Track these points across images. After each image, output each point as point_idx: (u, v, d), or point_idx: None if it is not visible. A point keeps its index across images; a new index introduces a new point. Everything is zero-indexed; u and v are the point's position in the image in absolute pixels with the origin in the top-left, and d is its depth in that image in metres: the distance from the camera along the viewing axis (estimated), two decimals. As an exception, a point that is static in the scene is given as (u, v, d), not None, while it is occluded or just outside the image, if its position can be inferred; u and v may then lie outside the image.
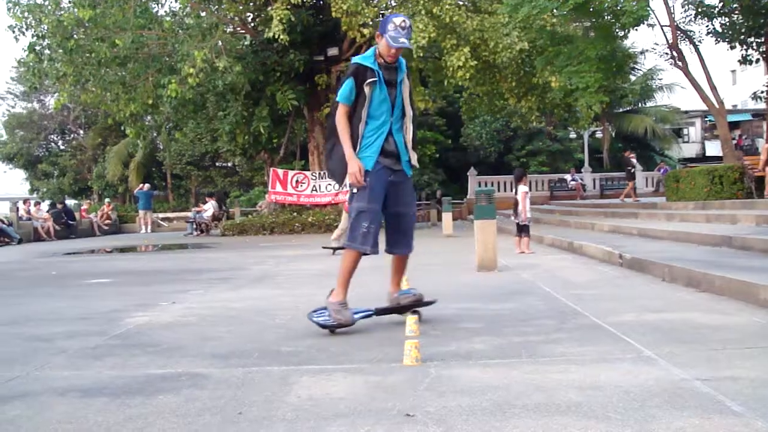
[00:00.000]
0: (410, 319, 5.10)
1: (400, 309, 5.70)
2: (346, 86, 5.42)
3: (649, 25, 19.02)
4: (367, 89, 5.33)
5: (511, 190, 12.31)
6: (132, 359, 4.61)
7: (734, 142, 30.63)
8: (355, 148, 5.35)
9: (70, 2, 20.55)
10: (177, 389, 3.79)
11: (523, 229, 12.15)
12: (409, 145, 5.58)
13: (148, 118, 26.54)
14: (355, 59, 5.55)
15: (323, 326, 5.24)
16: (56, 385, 3.99)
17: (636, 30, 19.13)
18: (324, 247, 13.85)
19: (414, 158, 5.64)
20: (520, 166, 36.15)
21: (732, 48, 22.11)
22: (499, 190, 32.31)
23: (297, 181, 25.78)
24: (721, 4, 20.69)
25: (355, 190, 5.40)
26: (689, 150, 49.77)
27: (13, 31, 20.15)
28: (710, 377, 3.59)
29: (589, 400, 3.30)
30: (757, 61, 23.12)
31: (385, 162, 5.42)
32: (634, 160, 28.84)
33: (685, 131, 51.84)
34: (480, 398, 3.38)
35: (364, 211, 5.39)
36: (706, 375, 3.64)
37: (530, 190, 11.92)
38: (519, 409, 3.20)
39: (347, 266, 5.53)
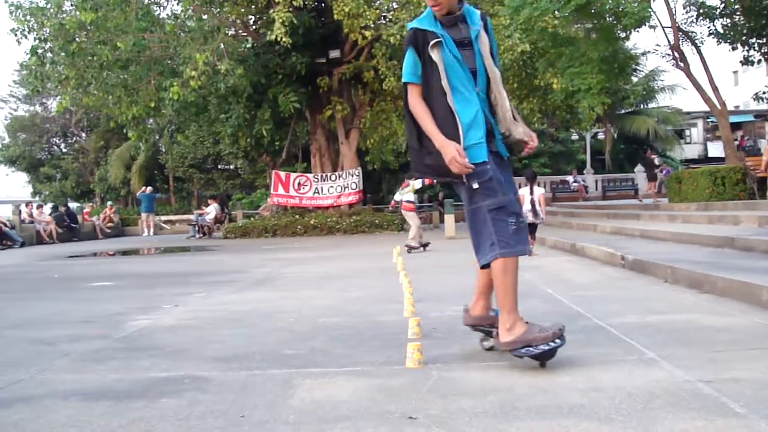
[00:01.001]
0: (413, 321, 5.10)
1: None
2: (408, 59, 4.17)
3: (651, 27, 19.04)
4: (434, 54, 4.09)
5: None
6: (135, 362, 4.61)
7: (736, 143, 30.62)
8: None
9: (72, 5, 20.56)
10: (180, 392, 3.79)
11: (534, 230, 12.16)
12: (507, 114, 4.29)
13: (150, 121, 26.59)
14: (411, 24, 4.29)
15: (537, 358, 4.00)
16: (59, 388, 3.99)
17: (638, 31, 19.12)
18: (407, 246, 14.03)
19: (519, 131, 4.33)
20: (523, 167, 36.12)
21: (734, 49, 22.12)
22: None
23: (299, 184, 25.79)
24: (723, 5, 20.71)
25: (475, 185, 4.07)
26: (691, 151, 49.74)
27: (16, 35, 20.17)
28: (713, 379, 3.59)
29: (592, 402, 3.30)
30: (759, 62, 23.12)
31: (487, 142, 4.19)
32: (657, 160, 28.90)
33: (687, 132, 51.80)
34: (483, 400, 3.38)
35: (503, 206, 4.05)
36: (708, 377, 3.64)
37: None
38: (522, 412, 3.20)
39: (510, 282, 4.10)
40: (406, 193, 14.98)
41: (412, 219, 14.79)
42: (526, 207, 11.90)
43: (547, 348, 3.92)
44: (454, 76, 4.10)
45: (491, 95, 4.27)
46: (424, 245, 14.25)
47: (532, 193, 12.11)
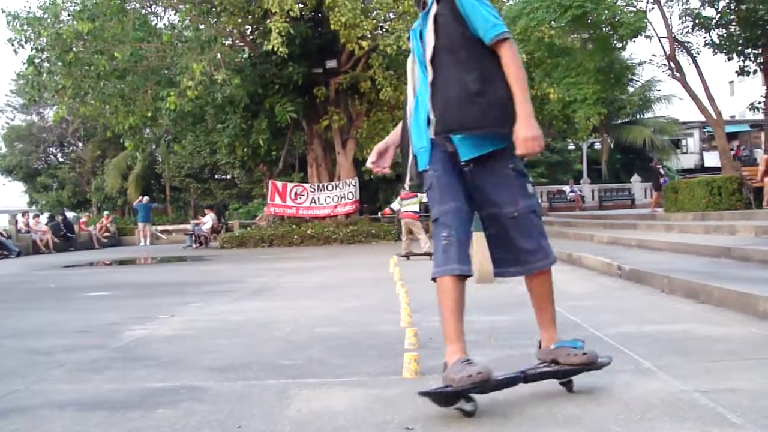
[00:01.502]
0: (410, 331, 5.09)
1: (558, 373, 3.75)
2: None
3: (647, 37, 19.12)
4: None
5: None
6: (131, 372, 4.60)
7: (732, 152, 30.70)
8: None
9: (69, 15, 20.59)
10: (176, 403, 3.78)
11: None
12: (458, 101, 3.48)
13: (147, 130, 26.63)
14: None
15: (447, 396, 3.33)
16: (55, 398, 3.98)
17: (634, 42, 19.22)
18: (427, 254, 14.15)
19: (473, 118, 3.46)
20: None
21: (729, 59, 22.20)
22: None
23: (296, 194, 25.79)
24: (719, 15, 20.80)
25: (424, 198, 3.83)
26: (688, 161, 49.81)
27: (13, 44, 20.19)
28: (709, 389, 3.59)
29: (588, 412, 3.30)
30: (755, 72, 23.20)
31: (438, 143, 3.61)
32: (663, 170, 28.96)
33: (683, 142, 51.88)
34: (479, 411, 3.37)
35: (436, 219, 3.62)
36: (705, 386, 3.64)
37: None
38: (518, 421, 3.20)
39: (445, 305, 3.54)
40: (410, 204, 15.11)
41: (419, 227, 15.01)
42: None
43: (449, 390, 3.28)
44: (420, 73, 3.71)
45: (441, 76, 3.55)
46: (407, 255, 14.41)
47: None
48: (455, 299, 3.54)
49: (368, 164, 4.02)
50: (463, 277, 3.57)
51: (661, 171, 27.81)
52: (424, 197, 14.74)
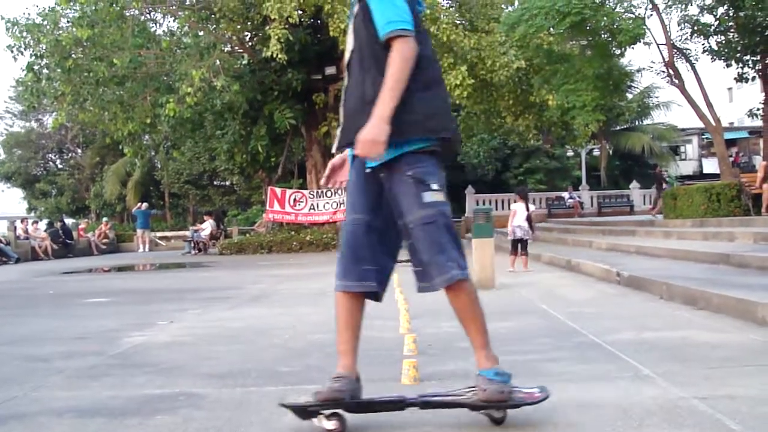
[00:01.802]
0: (408, 337, 5.09)
1: (453, 404, 3.41)
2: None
3: (646, 44, 19.13)
4: None
5: (509, 208, 12.46)
6: (129, 379, 4.60)
7: (731, 159, 30.72)
8: None
9: (68, 22, 20.62)
10: (174, 409, 3.78)
11: (524, 246, 12.20)
12: (366, 104, 3.27)
13: (146, 137, 26.58)
14: None
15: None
16: (54, 405, 3.98)
17: (632, 48, 19.19)
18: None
19: (371, 128, 3.16)
20: (518, 184, 36.16)
21: (728, 66, 22.21)
22: (496, 209, 32.30)
23: (295, 200, 25.77)
24: (717, 22, 20.81)
25: None
26: (686, 167, 49.87)
27: (12, 51, 20.22)
28: (708, 395, 3.59)
29: (587, 419, 3.29)
30: (753, 78, 23.22)
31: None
32: (666, 177, 28.98)
33: (682, 149, 51.93)
34: (479, 418, 3.37)
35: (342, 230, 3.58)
36: (704, 393, 3.64)
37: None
38: (517, 429, 3.20)
39: (338, 318, 3.53)
40: None
41: None
42: (517, 222, 11.98)
43: (300, 404, 3.32)
44: None
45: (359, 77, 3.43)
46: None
47: (528, 209, 12.20)
48: (343, 314, 3.48)
49: (322, 181, 3.97)
50: (355, 294, 3.47)
51: (665, 177, 27.78)
52: None
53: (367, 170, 3.36)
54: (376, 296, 3.57)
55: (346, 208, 3.57)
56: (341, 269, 3.45)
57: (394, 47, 3.18)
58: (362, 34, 3.35)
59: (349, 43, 3.49)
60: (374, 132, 3.11)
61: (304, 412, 3.28)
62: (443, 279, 3.27)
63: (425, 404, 3.33)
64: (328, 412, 3.23)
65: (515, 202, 12.60)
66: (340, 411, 3.24)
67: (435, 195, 3.26)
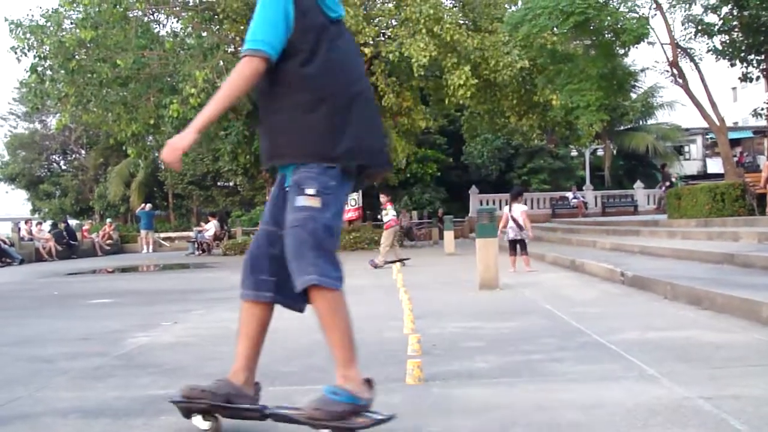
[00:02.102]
0: (413, 338, 5.09)
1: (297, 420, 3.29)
2: None
3: (650, 43, 19.07)
4: None
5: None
6: (134, 380, 4.60)
7: (735, 159, 30.65)
8: None
9: (71, 23, 20.65)
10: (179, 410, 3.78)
11: (522, 246, 12.20)
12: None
13: (150, 138, 26.58)
14: None
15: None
16: (58, 406, 3.98)
17: (636, 48, 19.14)
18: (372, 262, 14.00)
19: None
20: (522, 184, 36.13)
21: (732, 65, 22.15)
22: (500, 209, 32.23)
23: (298, 201, 25.77)
24: (721, 21, 20.74)
25: None
26: (690, 167, 49.77)
27: (16, 53, 20.26)
28: (713, 395, 3.58)
29: (591, 419, 3.29)
30: (758, 78, 23.14)
31: None
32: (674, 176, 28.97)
33: (686, 149, 51.81)
34: (483, 418, 3.37)
35: None
36: (708, 393, 3.63)
37: (531, 207, 12.02)
38: (522, 429, 3.20)
39: (239, 320, 3.80)
40: (388, 213, 15.11)
41: (386, 237, 14.90)
42: (509, 224, 11.99)
43: (182, 402, 3.43)
44: None
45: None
46: (392, 261, 14.29)
47: (511, 210, 12.15)
48: (242, 321, 3.70)
49: None
50: (256, 302, 3.65)
51: (672, 177, 27.72)
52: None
53: (286, 188, 3.37)
54: (293, 307, 3.73)
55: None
56: (241, 278, 3.63)
57: (240, 62, 3.27)
58: None
59: None
60: (177, 138, 3.24)
61: (184, 410, 3.39)
62: (300, 281, 3.33)
63: (277, 416, 3.35)
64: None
65: (506, 204, 12.66)
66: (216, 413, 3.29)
67: (308, 200, 3.20)
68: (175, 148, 3.19)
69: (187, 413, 3.37)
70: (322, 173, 3.19)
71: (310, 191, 3.18)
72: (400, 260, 14.26)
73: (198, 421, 3.32)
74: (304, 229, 3.20)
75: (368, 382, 3.28)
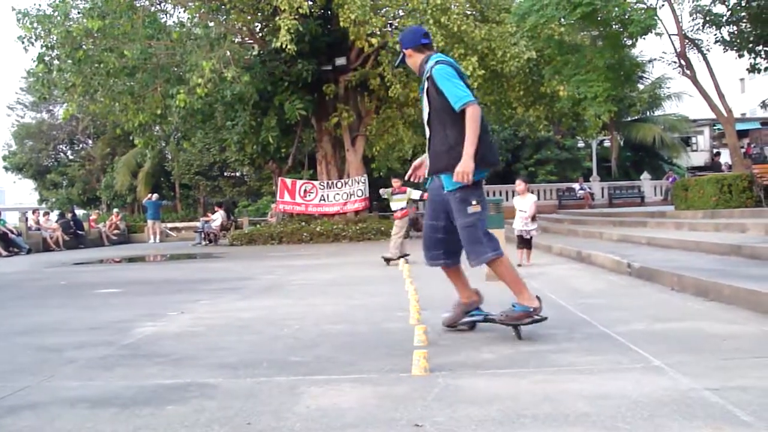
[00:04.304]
0: (419, 328, 5.10)
1: None
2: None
3: (657, 34, 18.98)
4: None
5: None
6: (141, 369, 4.62)
7: (743, 150, 30.56)
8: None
9: (79, 13, 20.65)
10: (186, 400, 3.79)
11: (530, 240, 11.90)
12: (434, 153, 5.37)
13: (157, 128, 26.60)
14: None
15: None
16: (66, 395, 4.00)
17: (644, 39, 19.06)
18: (383, 258, 13.27)
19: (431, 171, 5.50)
20: (528, 175, 36.11)
21: (740, 56, 22.07)
22: (507, 200, 32.24)
23: (305, 191, 25.78)
24: (729, 12, 20.67)
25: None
26: (698, 159, 49.64)
27: (23, 42, 20.24)
28: (719, 387, 3.58)
29: (598, 410, 3.29)
30: (766, 69, 23.05)
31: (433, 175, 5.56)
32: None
33: (693, 140, 51.63)
34: (489, 408, 3.38)
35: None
36: (715, 385, 3.63)
37: (538, 198, 11.69)
38: (528, 420, 3.20)
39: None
40: (398, 201, 14.05)
41: (399, 227, 13.75)
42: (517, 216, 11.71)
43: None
44: None
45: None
46: (403, 256, 13.41)
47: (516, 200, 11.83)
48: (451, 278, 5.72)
49: (407, 176, 5.95)
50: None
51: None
52: (413, 194, 14.22)
53: (445, 193, 5.32)
54: (449, 266, 5.64)
55: (426, 213, 5.68)
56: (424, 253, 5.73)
57: (467, 112, 5.01)
58: (437, 102, 5.21)
59: (425, 107, 5.37)
60: (467, 165, 4.97)
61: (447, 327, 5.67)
62: (477, 260, 5.28)
63: (490, 320, 5.50)
64: None
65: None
66: None
67: (474, 208, 5.20)
68: (468, 172, 4.99)
69: (452, 328, 5.61)
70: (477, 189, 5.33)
71: (474, 202, 5.25)
72: (402, 256, 13.55)
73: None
74: (472, 226, 5.29)
75: (538, 298, 5.22)
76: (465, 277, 5.64)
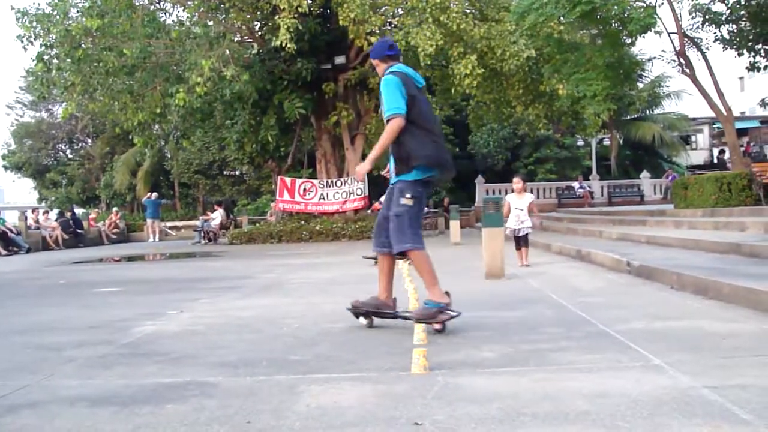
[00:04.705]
0: (418, 327, 5.10)
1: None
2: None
3: (657, 33, 18.97)
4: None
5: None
6: (140, 368, 4.62)
7: (742, 149, 30.55)
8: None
9: (78, 12, 20.62)
10: (185, 398, 3.79)
11: (527, 239, 11.56)
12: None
13: (156, 127, 26.57)
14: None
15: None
16: (65, 394, 4.00)
17: (643, 37, 19.04)
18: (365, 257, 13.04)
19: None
20: (528, 173, 36.12)
21: (740, 55, 22.05)
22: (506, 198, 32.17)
23: (304, 190, 25.78)
24: (729, 11, 20.66)
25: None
26: (697, 157, 49.61)
27: (22, 41, 20.22)
28: (719, 385, 3.59)
29: (597, 408, 3.29)
30: (765, 68, 23.03)
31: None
32: None
33: (692, 138, 51.62)
34: (488, 407, 3.38)
35: None
36: (714, 383, 3.63)
37: (537, 197, 11.51)
38: (528, 418, 3.20)
39: (378, 267, 5.95)
40: None
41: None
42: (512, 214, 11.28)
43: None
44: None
45: None
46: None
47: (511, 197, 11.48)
48: (381, 266, 5.89)
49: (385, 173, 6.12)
50: (382, 254, 5.85)
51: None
52: None
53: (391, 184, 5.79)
54: (391, 254, 5.75)
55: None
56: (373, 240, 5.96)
57: (388, 123, 5.62)
58: (383, 107, 5.76)
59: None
60: (362, 167, 6.14)
61: (353, 314, 6.00)
62: (397, 247, 5.57)
63: (402, 317, 5.77)
64: None
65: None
66: None
67: (407, 201, 5.57)
68: (360, 172, 6.25)
69: (356, 316, 5.89)
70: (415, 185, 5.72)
71: (407, 195, 5.65)
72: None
73: (361, 320, 5.86)
74: (397, 217, 5.66)
75: (447, 294, 5.46)
76: (392, 277, 5.85)
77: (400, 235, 5.52)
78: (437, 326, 5.40)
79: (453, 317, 5.37)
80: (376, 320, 5.86)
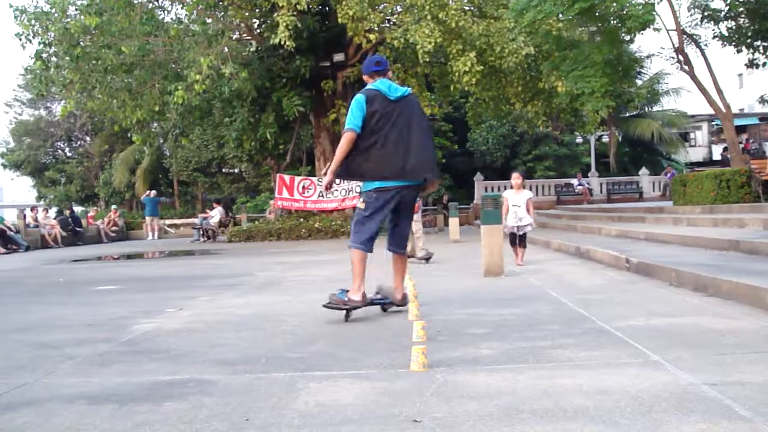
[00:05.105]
0: (418, 324, 5.10)
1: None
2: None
3: (655, 29, 18.98)
4: None
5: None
6: (139, 366, 4.62)
7: (741, 145, 30.56)
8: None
9: (76, 10, 20.61)
10: (184, 396, 3.79)
11: (524, 238, 11.26)
12: None
13: (155, 124, 26.59)
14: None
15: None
16: (64, 392, 3.99)
17: (642, 34, 19.07)
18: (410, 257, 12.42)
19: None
20: (527, 170, 36.12)
21: (739, 52, 22.07)
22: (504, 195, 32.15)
23: (303, 187, 25.73)
24: (728, 7, 20.66)
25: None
26: (696, 154, 49.62)
27: (20, 39, 20.21)
28: (718, 382, 3.59)
29: (596, 405, 3.29)
30: (764, 64, 23.04)
31: None
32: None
33: (691, 135, 51.65)
34: (487, 404, 3.38)
35: None
36: (713, 380, 3.63)
37: (536, 194, 11.39)
38: (526, 415, 3.20)
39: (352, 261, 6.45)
40: None
41: (418, 224, 12.82)
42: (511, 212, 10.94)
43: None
44: None
45: None
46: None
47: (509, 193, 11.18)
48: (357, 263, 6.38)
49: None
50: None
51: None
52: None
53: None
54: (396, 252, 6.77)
55: None
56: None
57: (344, 135, 6.10)
58: None
59: None
60: (326, 179, 6.39)
61: (331, 308, 6.27)
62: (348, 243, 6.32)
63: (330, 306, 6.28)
64: None
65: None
66: None
67: (360, 204, 6.31)
68: (327, 182, 6.37)
69: (329, 308, 6.17)
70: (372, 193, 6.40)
71: (361, 198, 6.39)
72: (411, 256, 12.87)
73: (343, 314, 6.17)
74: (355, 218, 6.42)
75: (364, 295, 6.24)
76: (364, 269, 6.41)
77: (352, 233, 6.35)
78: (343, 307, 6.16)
79: (341, 310, 6.16)
80: (374, 315, 5.85)
